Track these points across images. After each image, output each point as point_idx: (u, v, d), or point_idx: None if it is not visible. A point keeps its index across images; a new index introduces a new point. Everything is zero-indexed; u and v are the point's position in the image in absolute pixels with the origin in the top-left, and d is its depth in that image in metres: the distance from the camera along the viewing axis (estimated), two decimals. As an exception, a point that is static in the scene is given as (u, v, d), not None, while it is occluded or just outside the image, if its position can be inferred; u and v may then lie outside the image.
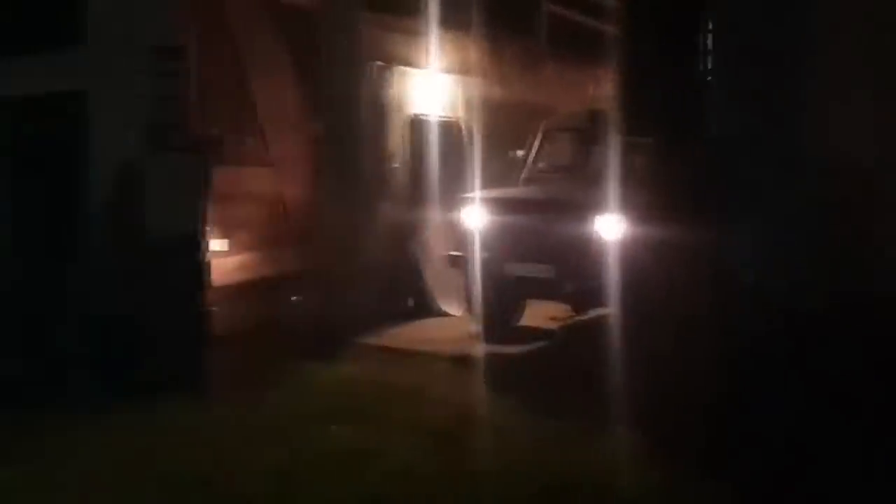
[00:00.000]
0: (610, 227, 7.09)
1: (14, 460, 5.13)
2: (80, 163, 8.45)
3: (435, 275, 9.14)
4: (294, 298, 7.75)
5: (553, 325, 8.56)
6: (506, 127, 9.91)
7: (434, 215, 9.22)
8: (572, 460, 5.18)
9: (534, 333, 8.34)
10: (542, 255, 7.46)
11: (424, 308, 9.16)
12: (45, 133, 8.73)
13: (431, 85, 9.40)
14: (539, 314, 8.67)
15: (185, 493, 4.72)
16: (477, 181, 8.78)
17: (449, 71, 9.65)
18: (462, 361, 7.44)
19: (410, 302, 9.19)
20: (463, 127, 9.77)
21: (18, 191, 9.04)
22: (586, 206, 7.29)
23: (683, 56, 6.65)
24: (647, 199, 6.65)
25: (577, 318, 8.45)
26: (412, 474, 4.99)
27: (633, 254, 6.78)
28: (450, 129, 9.65)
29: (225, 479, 4.89)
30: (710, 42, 6.19)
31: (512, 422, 5.92)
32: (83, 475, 4.97)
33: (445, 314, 9.07)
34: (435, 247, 9.16)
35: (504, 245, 7.72)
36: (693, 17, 6.55)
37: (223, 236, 6.61)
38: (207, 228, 6.45)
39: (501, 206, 7.86)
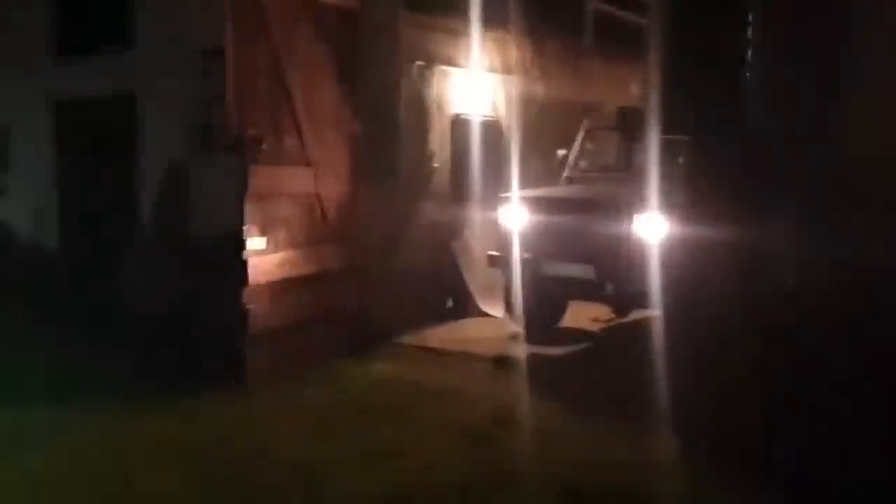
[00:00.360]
0: (651, 228, 6.99)
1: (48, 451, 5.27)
2: (131, 163, 8.70)
3: (475, 275, 9.11)
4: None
5: (594, 327, 8.47)
6: (550, 126, 9.85)
7: (475, 215, 9.20)
8: (605, 463, 5.12)
9: (575, 335, 8.25)
10: (582, 255, 7.38)
11: (464, 308, 9.13)
12: (100, 133, 8.99)
13: (473, 84, 9.36)
14: (581, 315, 8.60)
15: (213, 486, 4.77)
16: (516, 180, 8.72)
17: (491, 70, 9.61)
18: (500, 362, 7.40)
19: (449, 302, 9.16)
20: (505, 126, 9.71)
21: (75, 189, 9.32)
22: (627, 205, 7.20)
23: (724, 53, 6.52)
24: (687, 198, 6.53)
25: (620, 319, 8.35)
26: (440, 473, 4.97)
27: (674, 254, 6.67)
28: (492, 129, 9.60)
29: (253, 472, 4.94)
30: (750, 38, 6.06)
31: (544, 423, 5.89)
32: (115, 459, 5.12)
33: (485, 315, 9.02)
34: (475, 247, 9.13)
35: (544, 245, 7.66)
36: (733, 13, 6.42)
37: (262, 235, 6.67)
38: (246, 227, 6.51)
39: (541, 205, 7.80)
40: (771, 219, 5.73)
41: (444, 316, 8.93)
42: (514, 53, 9.94)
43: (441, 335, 8.34)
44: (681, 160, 7.01)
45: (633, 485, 4.81)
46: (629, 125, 8.23)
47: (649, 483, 4.84)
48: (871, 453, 4.90)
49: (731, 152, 5.94)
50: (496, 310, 8.90)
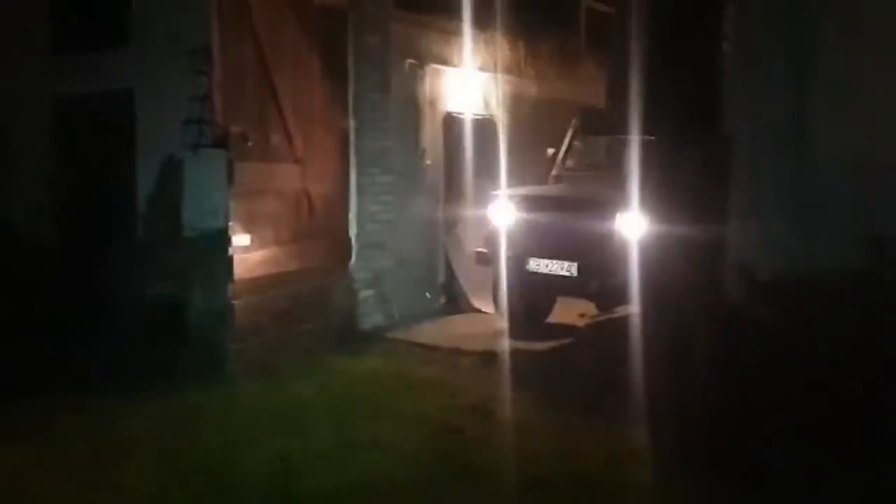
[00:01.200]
0: (632, 225, 7.07)
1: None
2: (128, 158, 8.84)
3: (467, 271, 9.20)
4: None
5: (580, 323, 8.54)
6: (543, 125, 9.90)
7: (467, 212, 9.28)
8: (573, 454, 5.20)
9: (560, 331, 8.33)
10: (566, 252, 7.50)
11: (456, 304, 9.22)
12: (97, 129, 9.13)
13: (466, 83, 9.44)
14: (570, 312, 8.67)
15: (188, 477, 4.89)
16: (504, 178, 8.81)
17: (484, 68, 9.69)
18: (485, 357, 7.48)
19: (442, 299, 9.25)
20: (497, 125, 9.79)
21: (73, 184, 9.47)
22: (609, 203, 7.29)
23: (703, 54, 6.58)
24: (667, 196, 6.59)
25: (607, 315, 8.43)
26: (411, 464, 5.07)
27: (654, 251, 6.74)
28: (484, 127, 9.68)
29: (229, 463, 5.05)
30: (728, 40, 6.13)
31: (519, 416, 5.98)
32: (96, 451, 5.25)
33: (477, 311, 9.11)
34: (467, 243, 9.22)
35: (529, 242, 7.77)
36: (713, 14, 6.48)
37: (247, 231, 6.78)
38: (231, 224, 6.62)
39: (526, 203, 7.91)
40: (743, 215, 5.82)
41: (437, 312, 9.02)
42: (507, 52, 10.01)
43: (431, 331, 8.43)
44: (662, 159, 7.06)
45: (598, 475, 4.89)
46: (588, 126, 8.39)
47: (614, 474, 4.91)
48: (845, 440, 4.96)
49: (709, 150, 6.03)
50: (487, 306, 8.99)
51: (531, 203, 7.91)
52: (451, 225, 9.37)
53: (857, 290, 5.72)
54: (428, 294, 9.03)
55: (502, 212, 7.96)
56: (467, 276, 9.20)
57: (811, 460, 4.78)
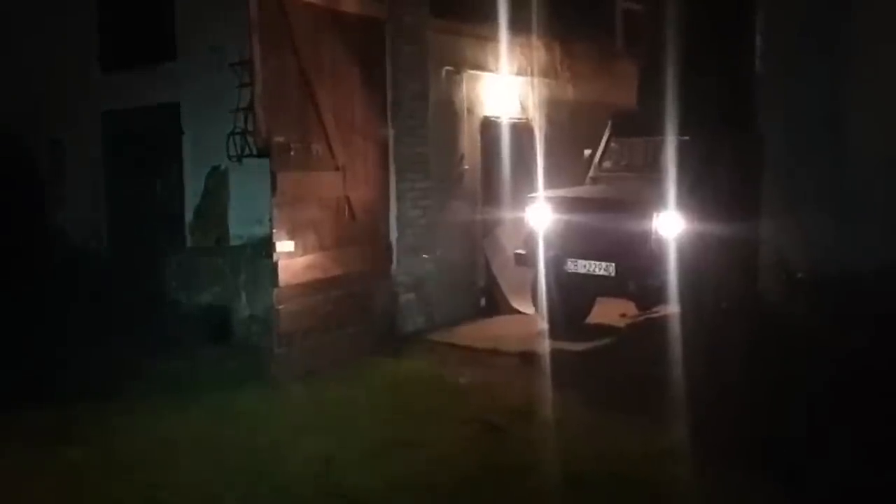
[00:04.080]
0: (669, 225, 7.10)
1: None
2: (176, 170, 9.16)
3: (507, 273, 9.28)
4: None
5: (620, 323, 8.57)
6: (580, 127, 9.94)
7: (505, 215, 9.37)
8: (612, 453, 5.26)
9: (600, 331, 8.37)
10: (603, 252, 7.54)
11: (496, 306, 9.31)
12: (146, 141, 9.47)
13: (503, 87, 9.53)
14: (611, 312, 8.71)
15: (234, 476, 5.07)
16: (541, 181, 8.88)
17: (521, 73, 9.77)
18: (526, 358, 7.55)
19: (482, 301, 9.36)
20: (534, 128, 9.86)
21: (124, 196, 9.84)
22: (647, 204, 7.32)
23: (738, 53, 6.57)
24: (703, 195, 6.60)
25: (647, 314, 8.45)
26: (451, 463, 5.18)
27: (692, 250, 6.76)
28: (521, 131, 9.76)
29: (278, 463, 5.23)
30: (762, 38, 6.11)
31: (559, 415, 6.04)
32: (146, 452, 5.48)
33: (517, 312, 9.18)
34: (506, 245, 9.30)
35: (567, 243, 7.83)
36: (746, 12, 6.47)
37: (291, 237, 6.96)
38: (275, 230, 6.81)
39: (564, 205, 7.98)
40: (781, 213, 5.81)
41: (478, 314, 9.12)
42: (543, 56, 10.08)
43: (472, 332, 8.51)
44: (698, 157, 7.07)
45: (638, 473, 4.95)
46: (621, 128, 8.40)
47: (653, 471, 4.96)
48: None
49: (745, 148, 6.02)
50: (527, 307, 9.06)
51: (568, 204, 7.98)
52: (490, 228, 9.47)
53: (892, 286, 5.68)
54: (482, 301, 9.09)
55: (540, 214, 8.04)
56: (507, 279, 9.29)
57: (848, 457, 4.78)
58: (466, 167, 9.17)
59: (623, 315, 8.68)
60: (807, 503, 4.44)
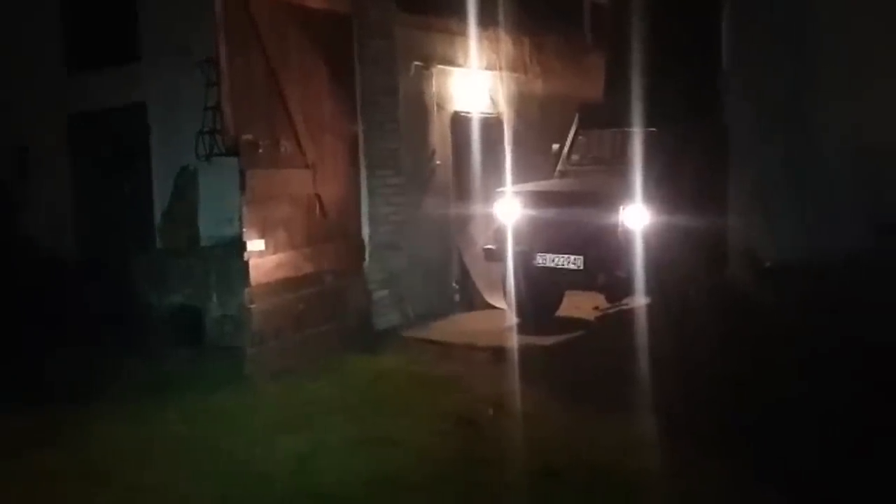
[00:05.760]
0: (636, 217, 7.15)
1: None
2: (144, 170, 9.08)
3: (480, 268, 9.29)
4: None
5: (592, 315, 8.62)
6: (550, 120, 9.97)
7: (478, 210, 9.38)
8: (583, 444, 5.29)
9: (571, 324, 8.41)
10: (572, 246, 7.57)
11: (471, 302, 9.32)
12: (113, 142, 9.38)
13: (473, 82, 9.54)
14: (585, 304, 8.76)
15: (211, 477, 5.05)
16: (509, 175, 8.91)
17: (490, 68, 9.78)
18: (497, 353, 7.57)
19: (457, 296, 9.37)
20: (505, 123, 9.88)
21: (91, 198, 9.73)
22: (612, 196, 7.37)
23: (705, 45, 6.64)
24: (671, 186, 6.67)
25: (619, 306, 8.51)
26: (428, 460, 5.18)
27: (660, 241, 6.83)
28: (492, 126, 9.78)
29: (253, 462, 5.21)
30: (728, 30, 6.18)
31: (529, 409, 6.06)
32: (120, 454, 5.43)
33: (492, 307, 9.21)
34: (479, 241, 9.31)
35: (535, 237, 7.85)
36: (713, 6, 6.55)
37: (261, 236, 6.92)
38: (245, 230, 6.77)
39: (531, 199, 8.00)
40: (747, 203, 5.89)
41: (452, 309, 9.13)
42: (512, 51, 10.10)
43: (446, 328, 8.51)
44: (665, 150, 7.15)
45: (611, 463, 4.97)
46: (588, 120, 8.46)
47: (626, 462, 4.99)
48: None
49: (710, 141, 6.10)
50: (501, 302, 9.08)
51: (536, 199, 8.00)
52: (463, 223, 9.48)
53: (860, 273, 5.76)
54: (456, 296, 9.09)
55: (508, 208, 8.06)
56: (481, 274, 9.30)
57: (818, 443, 4.85)
58: (438, 163, 9.17)
59: (596, 308, 8.73)
60: (778, 489, 4.48)
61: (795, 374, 5.53)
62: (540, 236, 7.81)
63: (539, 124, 10.07)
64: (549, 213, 7.81)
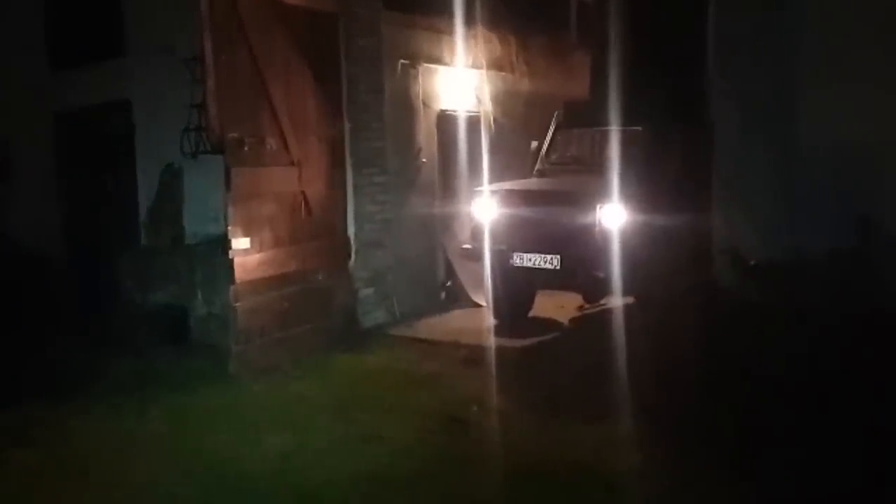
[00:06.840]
0: (613, 216, 7.15)
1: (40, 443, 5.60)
2: (129, 168, 9.04)
3: (466, 266, 9.31)
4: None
5: (576, 314, 8.64)
6: (535, 119, 9.99)
7: (462, 208, 9.39)
8: (571, 443, 5.31)
9: (550, 324, 8.42)
10: (548, 246, 7.56)
11: (457, 300, 9.34)
12: (98, 140, 9.33)
13: (459, 80, 9.55)
14: (569, 304, 8.78)
15: (196, 475, 5.03)
16: (486, 174, 8.93)
17: (477, 66, 9.80)
18: (479, 353, 7.56)
19: (443, 294, 9.38)
20: (491, 121, 9.90)
21: (76, 196, 9.67)
22: (590, 195, 7.37)
23: (690, 44, 6.67)
24: (652, 185, 6.67)
25: (600, 306, 8.53)
26: (413, 457, 5.19)
27: (639, 241, 6.84)
28: (478, 124, 9.79)
29: (238, 460, 5.20)
30: (713, 29, 6.20)
31: (520, 408, 6.06)
32: (104, 452, 5.42)
33: (478, 305, 9.22)
34: (464, 239, 9.32)
35: (512, 237, 7.85)
36: (699, 5, 6.57)
37: (246, 234, 6.91)
38: (230, 228, 6.75)
39: (508, 198, 7.99)
40: (729, 202, 5.90)
41: (437, 307, 9.14)
42: (499, 49, 10.12)
43: (432, 326, 8.54)
44: (645, 149, 7.16)
45: (590, 461, 4.99)
46: (571, 119, 8.47)
47: (606, 460, 5.01)
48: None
49: (692, 140, 6.11)
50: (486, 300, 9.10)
51: (513, 198, 7.98)
52: (449, 221, 9.49)
53: (843, 270, 5.80)
54: (442, 294, 9.07)
55: (486, 207, 8.05)
56: (466, 272, 9.31)
57: (800, 442, 4.89)
58: (424, 161, 9.19)
59: (580, 307, 8.75)
60: (759, 488, 4.51)
61: (778, 373, 5.56)
62: (516, 236, 7.79)
63: (525, 123, 10.09)
64: (526, 212, 7.79)
